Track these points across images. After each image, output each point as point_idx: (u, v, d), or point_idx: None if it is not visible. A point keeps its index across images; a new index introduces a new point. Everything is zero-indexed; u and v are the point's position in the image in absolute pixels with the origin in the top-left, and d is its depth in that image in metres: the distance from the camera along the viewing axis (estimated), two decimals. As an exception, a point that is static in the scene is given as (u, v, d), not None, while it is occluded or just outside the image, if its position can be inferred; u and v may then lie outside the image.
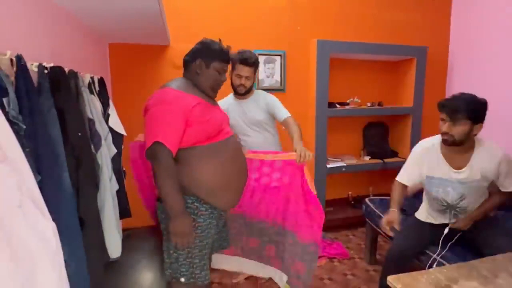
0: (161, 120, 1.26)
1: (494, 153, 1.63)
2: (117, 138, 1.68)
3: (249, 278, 2.19)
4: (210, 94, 1.45)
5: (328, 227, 2.94)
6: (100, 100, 1.60)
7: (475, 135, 1.62)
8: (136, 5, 1.47)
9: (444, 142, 1.64)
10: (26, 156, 0.74)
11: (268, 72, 2.79)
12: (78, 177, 1.14)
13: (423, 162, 1.76)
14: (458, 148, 1.63)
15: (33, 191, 0.74)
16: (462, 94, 1.62)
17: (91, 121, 1.35)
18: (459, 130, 1.57)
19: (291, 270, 1.73)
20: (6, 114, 0.76)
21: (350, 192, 3.27)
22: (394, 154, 3.20)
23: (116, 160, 1.62)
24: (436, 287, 1.17)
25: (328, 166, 2.85)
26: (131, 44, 2.44)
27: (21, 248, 0.67)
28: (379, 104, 3.08)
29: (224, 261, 1.87)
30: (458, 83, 3.27)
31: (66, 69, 1.17)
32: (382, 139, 3.28)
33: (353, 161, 2.97)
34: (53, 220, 0.78)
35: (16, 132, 0.77)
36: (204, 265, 1.42)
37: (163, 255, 1.43)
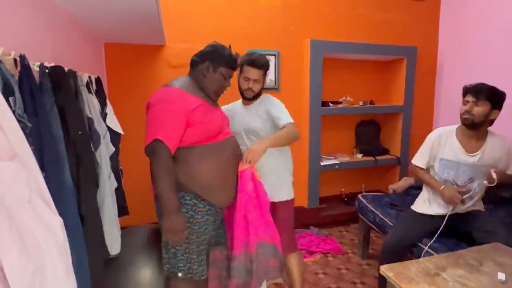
0: (162, 118, 1.28)
1: (504, 142, 1.77)
2: (114, 137, 1.70)
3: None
4: (213, 97, 1.49)
5: (322, 224, 3.00)
6: (97, 99, 1.62)
7: (492, 121, 1.74)
8: (134, 4, 1.50)
9: (464, 121, 1.75)
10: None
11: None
12: (79, 174, 1.16)
13: (437, 146, 1.86)
14: (473, 133, 1.75)
15: (41, 187, 0.76)
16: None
17: (90, 120, 1.37)
18: (479, 110, 1.69)
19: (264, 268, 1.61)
20: (12, 113, 0.79)
21: (343, 189, 3.33)
22: (386, 151, 3.27)
23: (114, 159, 1.64)
24: (426, 275, 1.23)
25: (322, 163, 2.91)
26: (126, 44, 2.45)
27: (31, 240, 0.70)
28: (371, 103, 3.15)
29: None
30: (447, 82, 3.36)
31: (66, 69, 1.20)
32: (374, 137, 3.36)
33: (346, 159, 3.03)
34: (56, 216, 0.80)
35: (22, 130, 0.80)
36: (202, 260, 1.45)
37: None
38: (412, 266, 1.28)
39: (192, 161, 1.36)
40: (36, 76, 0.99)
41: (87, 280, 1.10)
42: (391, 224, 2.06)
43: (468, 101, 1.73)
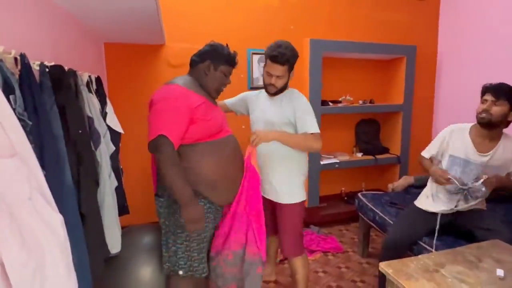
0: (166, 115, 1.30)
1: None
2: (114, 136, 1.71)
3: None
4: (214, 95, 1.52)
5: (322, 223, 3.00)
6: (97, 98, 1.62)
7: (509, 122, 1.73)
8: (134, 5, 1.50)
9: (480, 120, 1.73)
10: (32, 151, 0.78)
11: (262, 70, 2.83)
12: (79, 173, 1.17)
13: (448, 141, 1.86)
14: (487, 133, 1.74)
15: (41, 184, 0.77)
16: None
17: (90, 119, 1.38)
18: (498, 110, 1.67)
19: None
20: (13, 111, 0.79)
21: (343, 188, 3.34)
22: (386, 150, 3.28)
23: (114, 158, 1.65)
24: (425, 271, 1.23)
25: (322, 162, 2.91)
26: (126, 44, 2.46)
27: (32, 238, 0.70)
28: (371, 102, 3.15)
29: None
30: (446, 81, 3.36)
31: (66, 68, 1.20)
32: (374, 135, 3.36)
33: (345, 158, 3.03)
34: (57, 214, 0.81)
35: (22, 128, 0.80)
36: (202, 258, 1.46)
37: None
38: (411, 263, 1.29)
39: (194, 158, 1.37)
40: (36, 75, 0.99)
41: (88, 279, 1.10)
42: (391, 223, 2.06)
43: (486, 100, 1.71)
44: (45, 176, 0.88)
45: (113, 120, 1.72)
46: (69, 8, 1.51)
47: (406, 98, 3.13)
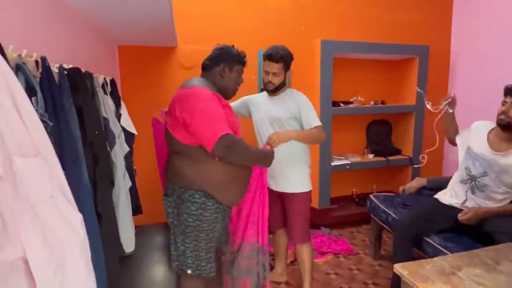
0: (214, 116, 1.34)
1: None
2: (128, 137, 1.74)
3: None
4: (231, 95, 1.57)
5: (333, 224, 2.98)
6: (112, 100, 1.65)
7: None
8: (148, 9, 1.53)
9: (499, 122, 1.75)
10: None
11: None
12: (95, 173, 1.19)
13: (471, 134, 1.95)
14: (506, 136, 1.74)
15: (62, 183, 0.79)
16: None
17: (106, 120, 1.41)
18: None
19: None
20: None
21: (354, 190, 3.31)
22: (398, 151, 3.23)
23: (128, 158, 1.67)
24: (441, 274, 1.21)
25: (333, 164, 2.89)
26: (139, 46, 2.50)
27: (53, 236, 0.72)
28: (382, 103, 3.12)
29: None
30: (460, 81, 3.30)
31: (83, 70, 1.23)
32: (385, 137, 3.32)
33: (357, 159, 3.01)
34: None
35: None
36: (210, 258, 1.47)
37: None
38: (426, 265, 1.27)
39: (204, 159, 1.39)
40: (55, 77, 1.02)
41: (103, 278, 1.12)
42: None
43: (507, 102, 1.71)
44: (64, 175, 0.91)
45: (127, 122, 1.75)
46: (87, 13, 1.54)
47: (418, 98, 3.09)
